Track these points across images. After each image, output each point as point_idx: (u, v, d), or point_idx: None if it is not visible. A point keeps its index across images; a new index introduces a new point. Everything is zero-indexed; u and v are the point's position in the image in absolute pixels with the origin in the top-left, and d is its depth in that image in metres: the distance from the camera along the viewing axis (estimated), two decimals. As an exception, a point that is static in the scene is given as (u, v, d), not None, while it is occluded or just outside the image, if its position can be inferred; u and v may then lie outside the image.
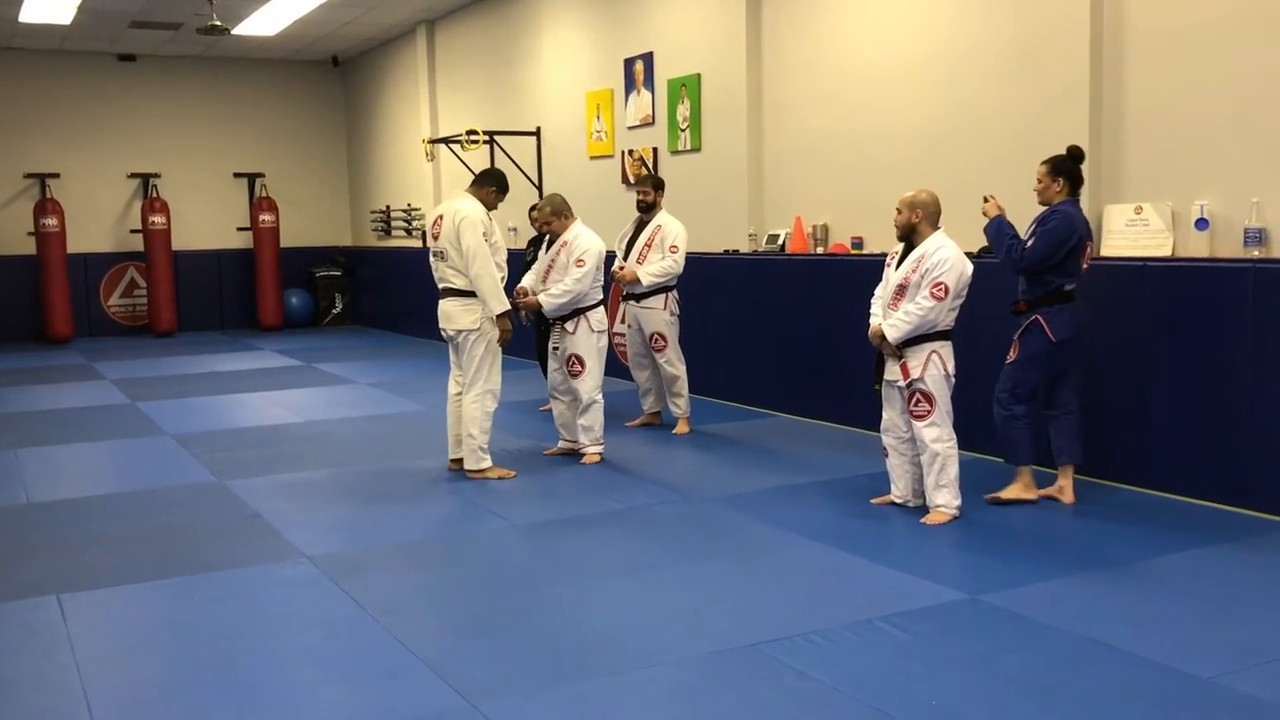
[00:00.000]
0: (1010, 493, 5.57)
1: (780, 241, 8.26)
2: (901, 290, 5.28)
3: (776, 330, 8.02)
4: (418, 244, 14.54)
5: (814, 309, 7.80)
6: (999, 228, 5.46)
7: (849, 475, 6.25)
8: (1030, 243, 5.32)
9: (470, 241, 6.11)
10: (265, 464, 6.94)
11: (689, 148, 9.32)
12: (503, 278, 6.27)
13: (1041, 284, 5.40)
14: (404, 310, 14.94)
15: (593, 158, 10.70)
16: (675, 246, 7.41)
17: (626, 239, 7.66)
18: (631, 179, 9.90)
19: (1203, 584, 4.39)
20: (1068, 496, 5.56)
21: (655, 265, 7.42)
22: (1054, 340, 5.35)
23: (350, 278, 16.61)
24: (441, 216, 6.29)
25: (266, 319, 15.76)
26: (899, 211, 5.32)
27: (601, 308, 6.77)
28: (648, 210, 7.56)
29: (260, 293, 15.76)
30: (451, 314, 6.30)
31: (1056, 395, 5.55)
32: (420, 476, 6.51)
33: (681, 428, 7.60)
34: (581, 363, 6.65)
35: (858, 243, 7.79)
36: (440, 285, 6.36)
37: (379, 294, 15.81)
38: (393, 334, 15.07)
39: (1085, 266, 5.43)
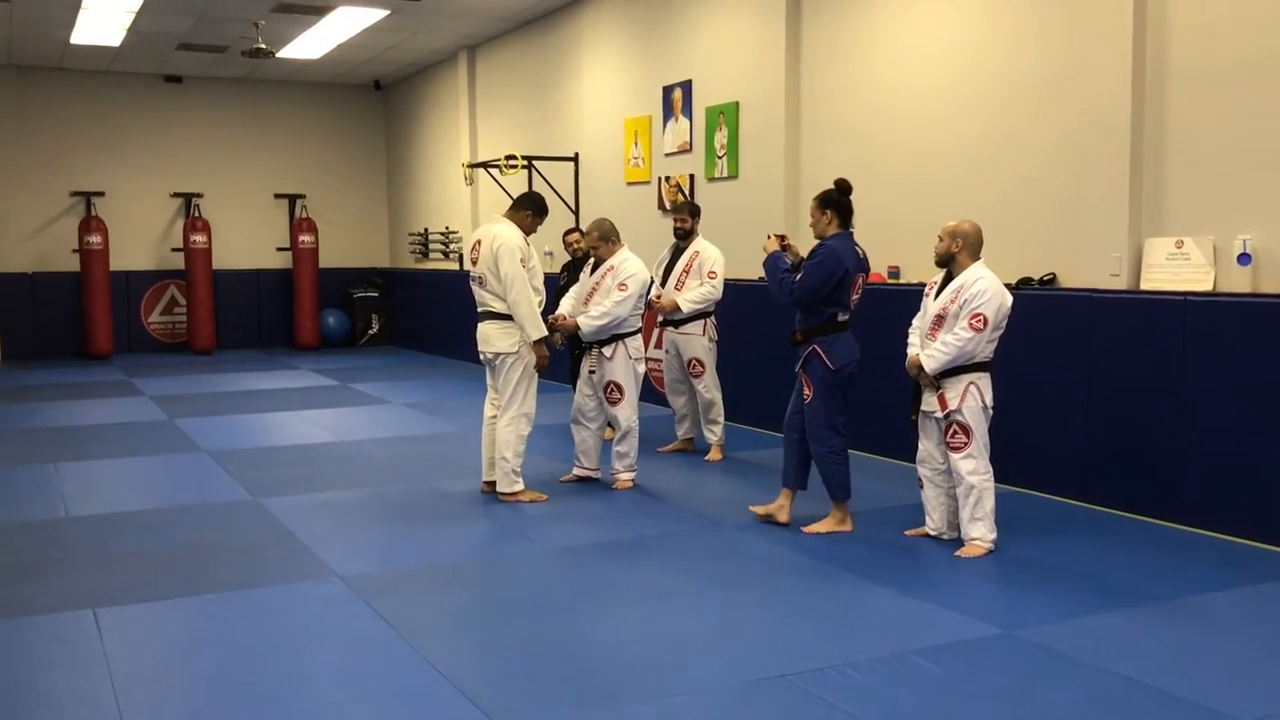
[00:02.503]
0: (826, 525, 5.64)
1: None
2: (940, 320, 5.26)
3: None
4: (455, 266, 14.63)
5: (859, 338, 7.76)
6: (774, 263, 5.64)
7: (883, 506, 6.21)
8: (799, 276, 5.48)
9: (508, 268, 6.15)
10: (300, 482, 6.98)
11: (726, 175, 9.34)
12: (540, 302, 6.30)
13: (815, 315, 5.54)
14: (440, 332, 15.03)
15: (630, 184, 10.75)
16: (714, 272, 7.43)
17: (664, 265, 7.69)
18: (668, 205, 9.93)
19: (1244, 623, 4.31)
20: (786, 516, 5.72)
21: (694, 292, 7.44)
22: (831, 367, 5.48)
23: (387, 299, 16.74)
24: (480, 242, 6.33)
25: (304, 338, 15.90)
26: (940, 239, 5.31)
27: (639, 335, 6.78)
28: (685, 237, 7.60)
29: (298, 312, 15.91)
30: (490, 337, 6.33)
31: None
32: (453, 498, 6.52)
33: (714, 454, 7.58)
34: (620, 389, 6.66)
35: (895, 271, 7.76)
36: (479, 308, 6.40)
37: (415, 315, 15.92)
38: (428, 355, 15.15)
39: (856, 298, 5.56)
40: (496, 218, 6.46)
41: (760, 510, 5.82)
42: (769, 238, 5.76)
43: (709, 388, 7.56)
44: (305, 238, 15.82)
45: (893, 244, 7.85)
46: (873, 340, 7.53)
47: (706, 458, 7.58)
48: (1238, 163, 5.69)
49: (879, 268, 7.91)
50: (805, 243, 8.25)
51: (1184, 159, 5.94)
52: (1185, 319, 5.70)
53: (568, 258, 8.48)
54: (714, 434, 7.61)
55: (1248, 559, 5.18)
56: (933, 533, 5.50)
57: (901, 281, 7.67)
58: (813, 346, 5.52)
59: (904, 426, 5.81)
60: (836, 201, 5.55)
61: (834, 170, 8.34)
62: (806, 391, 5.56)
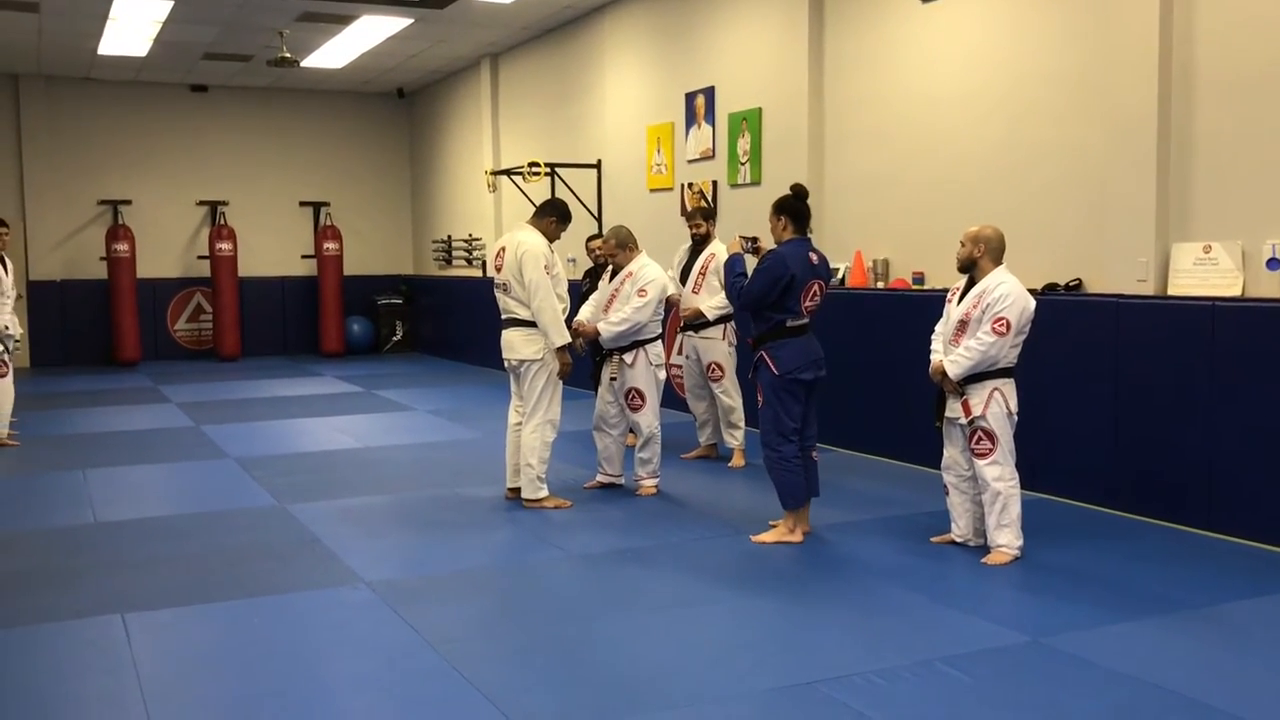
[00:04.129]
0: (774, 535, 5.61)
1: (840, 275, 8.23)
2: (963, 326, 5.24)
3: (836, 364, 7.97)
4: (478, 273, 14.66)
5: (874, 344, 7.75)
6: (731, 265, 5.67)
7: (909, 513, 6.19)
8: (747, 282, 5.51)
9: (532, 275, 6.17)
10: (325, 488, 7.01)
11: (749, 181, 9.33)
12: (564, 308, 6.31)
13: (764, 320, 5.55)
14: (464, 339, 15.07)
15: (652, 190, 10.75)
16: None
17: (681, 265, 7.70)
18: (688, 210, 9.93)
19: (1276, 632, 4.26)
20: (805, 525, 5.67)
21: (717, 296, 7.43)
22: (776, 372, 5.47)
23: (411, 306, 16.79)
24: (504, 249, 6.35)
25: (328, 345, 15.97)
26: (962, 245, 5.30)
27: (659, 342, 6.78)
28: (701, 241, 7.62)
29: (323, 319, 15.98)
30: (514, 343, 6.35)
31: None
32: (478, 504, 6.54)
33: (737, 460, 7.57)
34: (641, 396, 6.66)
35: (919, 278, 7.74)
36: (503, 315, 6.41)
37: (439, 322, 15.97)
38: (452, 362, 15.20)
39: (810, 304, 5.53)
40: (521, 225, 6.48)
41: (766, 538, 5.78)
42: (735, 239, 5.79)
43: (729, 392, 7.55)
44: (330, 245, 15.89)
45: (917, 250, 7.82)
46: (896, 346, 7.50)
47: (729, 464, 7.57)
48: (1266, 167, 5.64)
49: (903, 273, 7.88)
50: (824, 246, 8.23)
51: (1211, 163, 5.89)
52: (1213, 325, 5.65)
53: (590, 264, 8.48)
54: (735, 439, 7.60)
55: (1278, 568, 5.12)
56: (959, 539, 5.47)
57: (925, 288, 7.65)
58: (760, 352, 5.54)
59: (929, 433, 5.79)
60: (790, 207, 5.57)
61: (858, 175, 8.34)
62: (759, 396, 5.58)
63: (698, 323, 7.54)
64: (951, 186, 7.51)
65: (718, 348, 7.54)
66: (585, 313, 6.90)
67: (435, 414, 10.26)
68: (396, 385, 12.54)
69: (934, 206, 7.66)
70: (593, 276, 8.21)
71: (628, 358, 6.65)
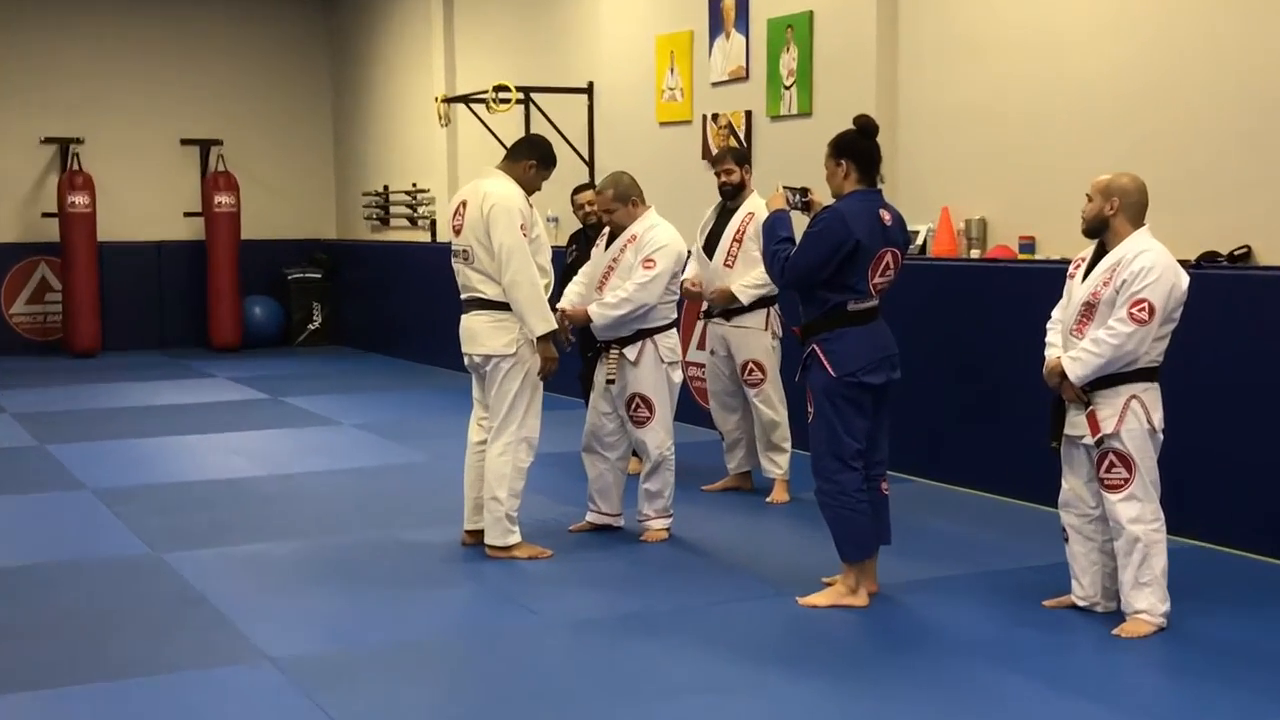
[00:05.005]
0: (830, 596, 5.61)
1: (920, 242, 8.22)
2: (1089, 310, 5.24)
3: (912, 363, 7.96)
4: (426, 237, 14.66)
5: (965, 336, 7.74)
6: (772, 227, 5.65)
7: (1012, 566, 6.17)
8: (794, 250, 5.50)
9: (504, 238, 6.16)
10: (216, 532, 6.99)
11: (795, 111, 9.31)
12: (547, 285, 6.30)
13: (816, 303, 5.54)
14: (406, 327, 15.07)
15: (664, 124, 10.73)
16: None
17: (707, 230, 7.69)
18: (714, 153, 9.92)
19: None
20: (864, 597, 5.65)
21: (754, 272, 7.39)
22: (834, 374, 5.45)
23: (334, 282, 16.79)
24: (465, 204, 6.34)
25: (221, 336, 15.96)
26: (1089, 199, 5.29)
27: (674, 331, 6.77)
28: (734, 194, 7.58)
29: (213, 300, 15.97)
30: (478, 333, 6.34)
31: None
32: (425, 553, 6.52)
33: (779, 494, 7.56)
34: (648, 406, 6.64)
35: (1028, 244, 7.73)
36: (464, 295, 6.40)
37: (373, 304, 15.97)
38: (390, 358, 15.19)
39: (880, 281, 5.52)
40: (487, 171, 6.47)
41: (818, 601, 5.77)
42: (777, 190, 5.78)
43: (770, 402, 7.54)
44: (222, 199, 15.89)
45: (1025, 207, 7.81)
46: (996, 338, 7.49)
47: (768, 499, 7.56)
48: None
49: (1006, 238, 7.87)
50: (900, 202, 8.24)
51: None
52: None
53: (578, 225, 8.48)
54: (778, 466, 7.59)
55: None
56: (1081, 603, 5.46)
57: (1036, 258, 7.64)
58: (812, 346, 5.54)
59: (1041, 456, 5.78)
60: (854, 147, 5.55)
61: (945, 104, 8.33)
62: (809, 407, 5.57)
63: (729, 307, 7.53)
64: (1075, 120, 7.49)
65: (756, 341, 7.53)
66: (574, 291, 6.89)
67: (367, 429, 10.24)
68: (314, 390, 12.52)
69: (1049, 148, 7.64)
70: (581, 242, 8.20)
71: (630, 353, 6.64)
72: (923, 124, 8.47)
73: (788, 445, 7.60)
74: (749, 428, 7.75)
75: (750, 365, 7.54)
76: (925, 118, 8.46)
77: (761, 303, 7.49)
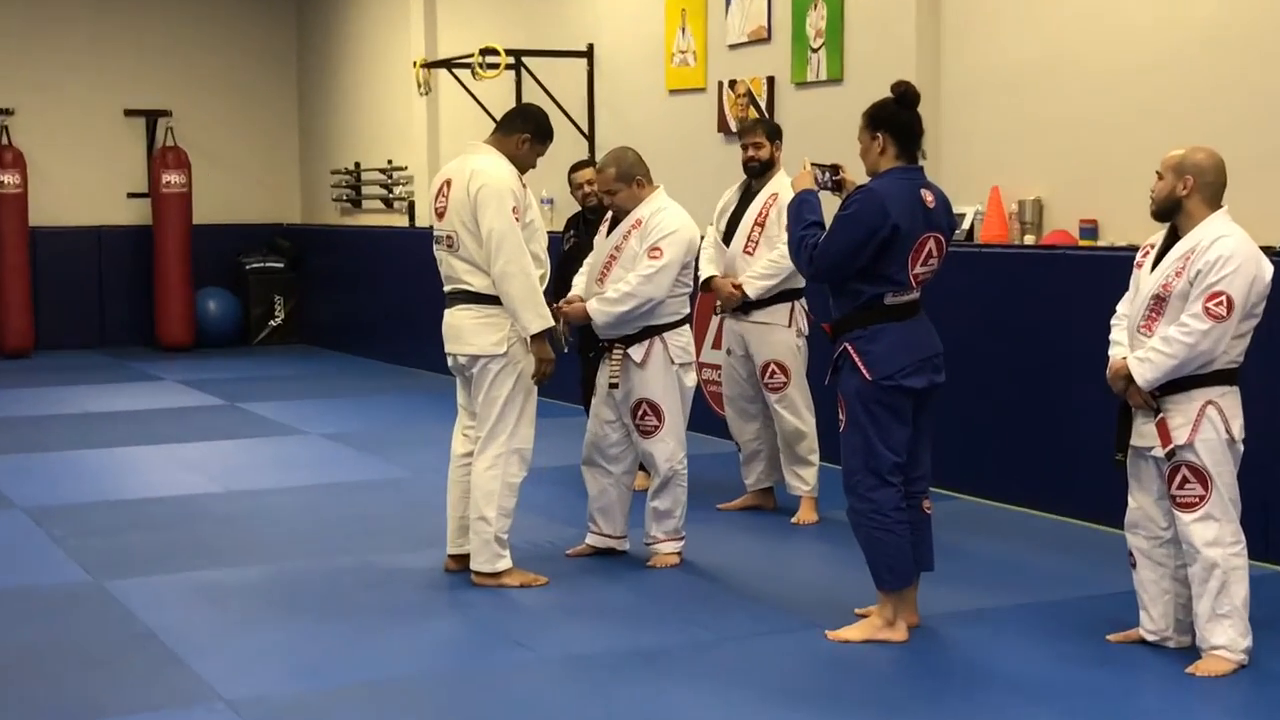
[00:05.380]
0: (865, 630, 5.62)
1: (967, 226, 8.23)
2: (1159, 304, 5.24)
3: (958, 365, 7.96)
4: (403, 221, 14.67)
5: (1018, 333, 7.76)
6: (798, 209, 5.63)
7: (1072, 595, 6.18)
8: (823, 235, 5.49)
9: (494, 221, 6.16)
10: (165, 557, 7.00)
11: (824, 77, 9.32)
12: (543, 276, 6.31)
13: (850, 296, 5.54)
14: (381, 323, 15.09)
15: (674, 92, 10.75)
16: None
17: (728, 213, 7.71)
18: (733, 127, 9.93)
19: None
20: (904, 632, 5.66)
21: (766, 260, 7.41)
22: (869, 378, 5.45)
23: (299, 272, 16.81)
24: (449, 183, 6.35)
25: (170, 333, 15.97)
26: (1159, 177, 5.30)
27: (687, 328, 6.78)
28: (761, 172, 7.60)
29: (161, 293, 15.98)
30: (463, 331, 6.35)
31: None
32: (402, 580, 6.54)
33: (806, 513, 7.57)
34: (657, 413, 6.64)
35: (1089, 228, 7.74)
36: (447, 287, 6.42)
37: (343, 298, 15.98)
38: (362, 359, 15.21)
39: (922, 270, 5.52)
40: (474, 146, 6.48)
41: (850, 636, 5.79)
42: (804, 167, 5.78)
43: (795, 408, 7.55)
44: (172, 178, 15.89)
45: (1086, 187, 7.82)
46: (1052, 335, 7.49)
47: (794, 519, 7.58)
48: None
49: (1065, 222, 7.87)
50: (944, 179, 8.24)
51: None
52: None
53: (576, 208, 8.48)
54: (804, 482, 7.60)
55: None
56: (1151, 637, 5.47)
57: (1099, 244, 7.65)
58: (844, 345, 5.55)
59: (1105, 471, 5.78)
60: (892, 118, 5.55)
61: (992, 69, 8.32)
62: (841, 414, 5.59)
63: (748, 300, 7.55)
64: (1144, 86, 7.50)
65: (778, 339, 7.54)
66: (578, 284, 6.90)
67: (336, 440, 10.25)
68: (276, 395, 12.54)
69: (1116, 118, 7.65)
70: (580, 226, 8.20)
71: (635, 353, 6.64)
72: (970, 91, 8.49)
73: (815, 458, 7.61)
74: (770, 438, 7.75)
75: (772, 366, 7.54)
76: (973, 84, 8.47)
77: (784, 295, 7.50)
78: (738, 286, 7.48)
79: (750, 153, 7.59)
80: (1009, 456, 7.88)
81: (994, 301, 7.89)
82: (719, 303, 7.74)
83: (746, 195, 7.63)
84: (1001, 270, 7.91)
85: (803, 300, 7.58)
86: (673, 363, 6.65)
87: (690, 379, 6.74)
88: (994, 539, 7.22)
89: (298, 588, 6.47)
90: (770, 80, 9.78)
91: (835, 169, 5.77)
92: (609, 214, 6.84)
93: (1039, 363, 7.65)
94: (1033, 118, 8.11)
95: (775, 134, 7.68)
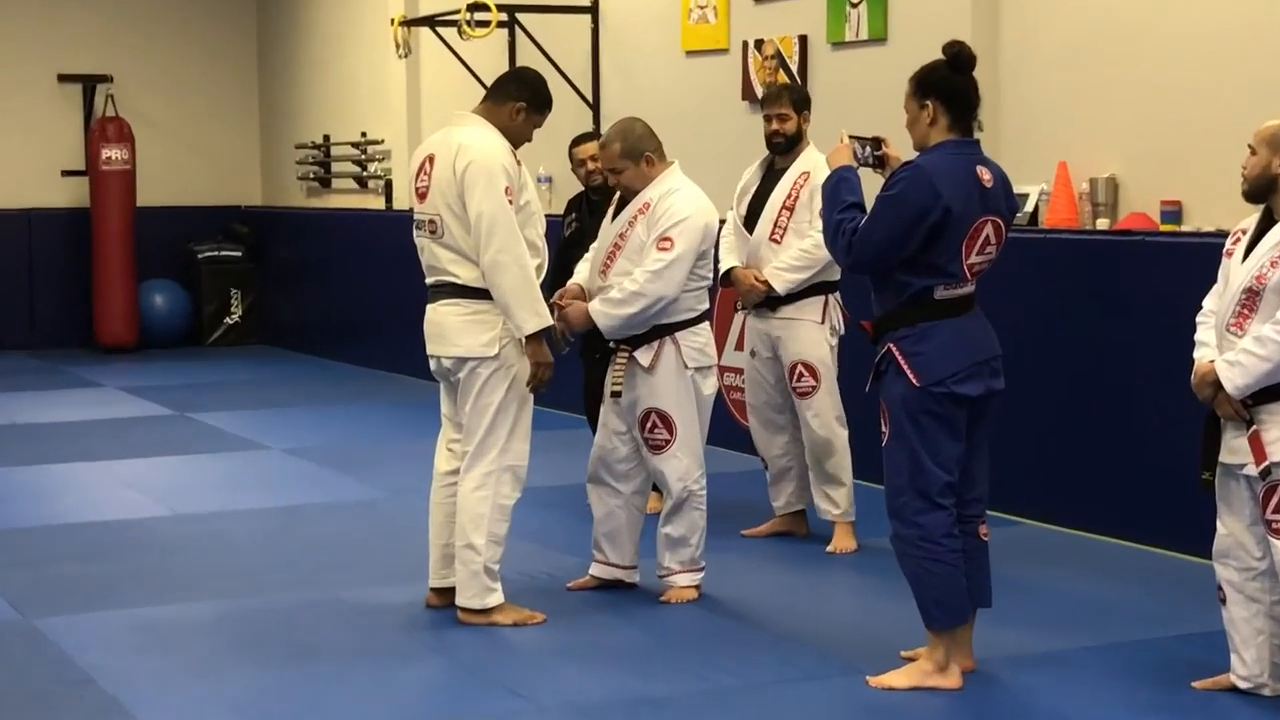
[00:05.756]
0: (912, 675, 5.62)
1: (1030, 208, 8.22)
2: (1252, 299, 5.24)
3: (1019, 369, 7.95)
4: (379, 204, 14.68)
5: (1089, 332, 7.74)
6: (834, 189, 5.61)
7: (1150, 635, 6.18)
8: (864, 219, 5.48)
9: (484, 203, 6.15)
10: (105, 590, 7.01)
11: (865, 37, 9.31)
12: (540, 266, 6.30)
13: (894, 289, 5.52)
14: (353, 321, 15.10)
15: (691, 54, 10.74)
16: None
17: (750, 194, 7.70)
18: (760, 93, 9.92)
19: None
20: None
21: (795, 250, 7.40)
22: (916, 384, 5.43)
23: (258, 262, 16.83)
24: (432, 159, 6.34)
25: (110, 332, 15.99)
26: (1252, 152, 5.29)
27: (705, 326, 6.76)
28: (787, 148, 7.59)
29: (100, 285, 16.00)
30: (448, 330, 6.34)
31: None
32: (378, 618, 6.54)
33: (842, 540, 7.58)
34: (668, 425, 6.62)
35: (1172, 212, 7.73)
36: (430, 279, 6.42)
37: (309, 291, 16.00)
38: (331, 362, 15.23)
39: (978, 260, 5.50)
40: (461, 116, 6.48)
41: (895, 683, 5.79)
42: (841, 140, 5.74)
43: (823, 418, 7.53)
44: (113, 153, 15.90)
45: (1168, 163, 7.81)
46: (1127, 334, 7.47)
47: (830, 547, 7.58)
48: None
49: (1143, 204, 7.86)
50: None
51: None
52: None
53: (579, 187, 8.48)
54: (834, 504, 7.59)
55: None
56: (1243, 684, 5.45)
57: (1183, 229, 7.63)
58: (887, 346, 5.54)
59: (1189, 492, 5.77)
60: (944, 84, 5.53)
61: (1060, 28, 8.31)
62: (884, 426, 5.58)
63: (774, 296, 7.55)
64: (1236, 48, 7.48)
65: (808, 336, 7.53)
66: (580, 271, 6.89)
67: (302, 456, 10.27)
68: (232, 404, 12.55)
69: (1202, 85, 7.63)
70: (583, 209, 8.20)
71: (643, 355, 6.62)
72: (1034, 53, 8.47)
73: (847, 476, 7.59)
74: (801, 453, 7.74)
75: (800, 368, 7.53)
76: (1037, 44, 8.45)
77: (817, 288, 7.49)
78: (762, 280, 7.47)
79: (774, 125, 7.57)
80: (1078, 475, 7.86)
81: (1061, 295, 7.87)
82: (740, 298, 7.73)
83: (771, 174, 7.62)
84: (1070, 259, 7.90)
85: (838, 294, 7.58)
86: (686, 367, 6.63)
87: (708, 385, 6.73)
88: (1061, 570, 7.21)
89: (256, 627, 6.46)
90: (803, 40, 9.78)
91: (877, 142, 5.75)
92: (616, 194, 6.83)
93: (1113, 367, 7.64)
94: (1107, 83, 8.09)
95: (803, 103, 7.66)
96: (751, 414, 7.89)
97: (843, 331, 7.58)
